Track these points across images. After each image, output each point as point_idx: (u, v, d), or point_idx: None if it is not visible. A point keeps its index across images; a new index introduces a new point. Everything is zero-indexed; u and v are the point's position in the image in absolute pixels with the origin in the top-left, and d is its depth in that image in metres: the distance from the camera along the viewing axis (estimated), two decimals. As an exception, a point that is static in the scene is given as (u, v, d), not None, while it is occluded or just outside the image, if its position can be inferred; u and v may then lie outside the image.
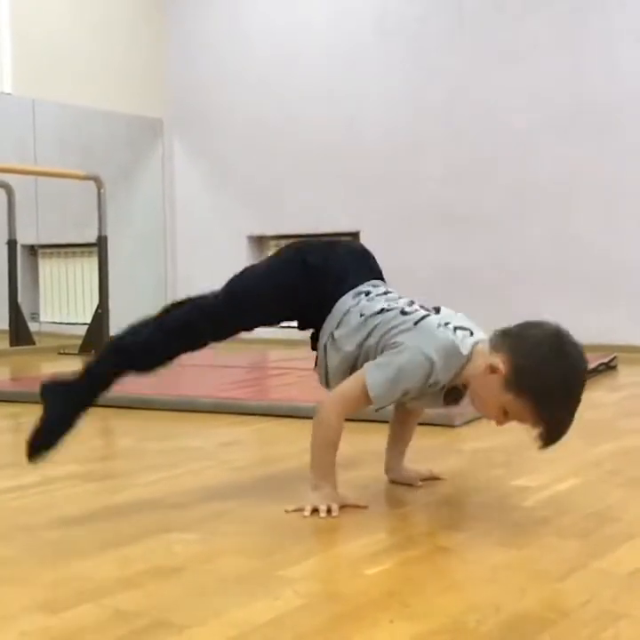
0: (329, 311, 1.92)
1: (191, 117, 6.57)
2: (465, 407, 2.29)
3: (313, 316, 1.96)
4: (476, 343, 1.81)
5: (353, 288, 1.93)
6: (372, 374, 1.79)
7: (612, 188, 5.13)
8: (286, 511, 1.81)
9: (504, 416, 1.77)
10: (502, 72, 5.42)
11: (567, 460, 2.35)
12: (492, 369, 1.74)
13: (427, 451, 2.39)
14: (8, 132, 6.12)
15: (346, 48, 5.92)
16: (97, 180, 5.54)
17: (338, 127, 5.94)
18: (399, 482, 2.06)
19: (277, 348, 5.53)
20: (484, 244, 5.47)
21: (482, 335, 1.85)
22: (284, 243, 6.22)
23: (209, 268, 6.58)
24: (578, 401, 1.74)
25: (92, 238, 5.61)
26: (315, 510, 1.79)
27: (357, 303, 1.90)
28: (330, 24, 5.98)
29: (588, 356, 4.51)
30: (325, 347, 1.93)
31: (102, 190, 5.53)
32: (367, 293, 1.92)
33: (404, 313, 1.85)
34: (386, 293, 1.94)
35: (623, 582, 1.43)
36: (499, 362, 1.73)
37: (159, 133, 6.67)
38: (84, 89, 6.13)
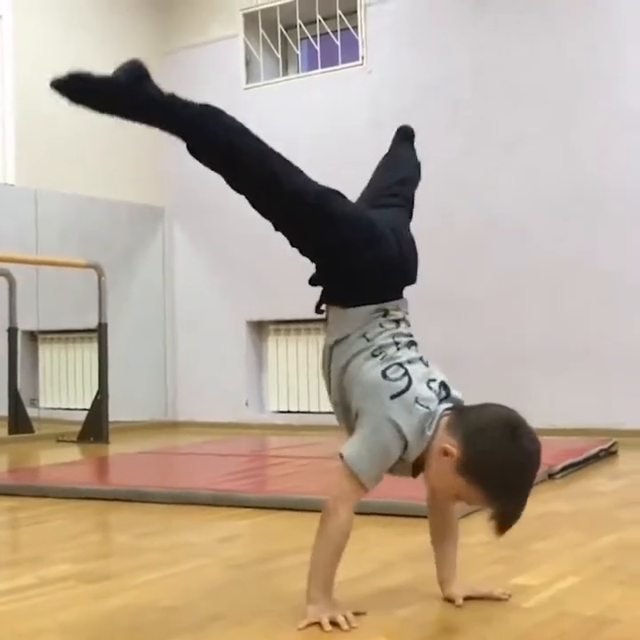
0: (348, 286, 1.89)
1: (191, 205, 6.67)
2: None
3: (339, 271, 1.90)
4: (445, 412, 1.78)
5: (390, 294, 1.90)
6: (356, 461, 1.75)
7: (606, 270, 5.18)
8: (299, 628, 1.72)
9: (457, 497, 1.77)
10: (493, 161, 5.52)
11: (567, 555, 2.33)
12: (445, 452, 1.72)
13: (428, 545, 2.37)
14: (11, 222, 6.20)
15: (340, 138, 6.05)
16: (97, 268, 5.61)
17: (335, 214, 6.02)
18: (445, 597, 1.93)
19: (276, 434, 5.52)
20: (479, 328, 5.50)
21: (452, 400, 1.82)
22: (283, 328, 6.31)
23: (209, 354, 6.64)
24: (529, 488, 1.75)
25: (92, 324, 5.65)
26: (317, 623, 1.71)
27: (372, 321, 1.85)
28: (325, 115, 6.12)
29: (588, 440, 4.52)
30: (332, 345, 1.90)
31: (103, 278, 5.59)
32: (385, 314, 1.87)
33: (385, 376, 1.78)
34: (398, 324, 1.88)
35: (625, 692, 1.41)
36: (451, 446, 1.72)
37: (160, 221, 6.76)
38: (86, 179, 6.24)
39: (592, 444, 4.16)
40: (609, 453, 4.18)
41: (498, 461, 1.70)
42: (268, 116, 6.36)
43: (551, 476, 3.55)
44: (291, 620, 1.77)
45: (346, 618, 1.72)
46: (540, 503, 3.11)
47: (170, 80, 6.65)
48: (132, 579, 2.18)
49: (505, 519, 1.74)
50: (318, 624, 1.72)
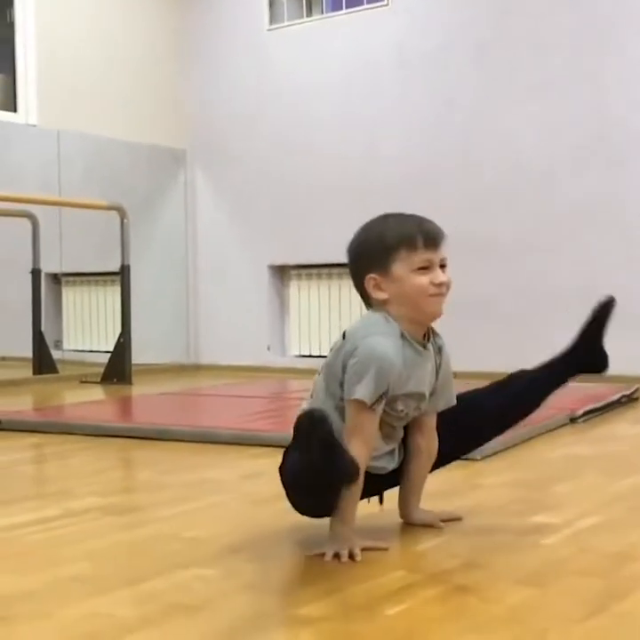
0: None
1: (213, 148, 6.63)
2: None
3: None
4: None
5: None
6: (353, 387, 1.78)
7: (631, 216, 5.12)
8: (306, 556, 1.78)
9: (426, 275, 1.82)
10: (519, 104, 5.44)
11: (588, 496, 2.34)
12: (374, 287, 1.84)
13: (445, 485, 2.38)
14: (33, 163, 6.20)
15: (364, 80, 5.97)
16: (120, 209, 5.60)
17: (357, 157, 5.97)
18: (417, 524, 2.00)
19: (297, 378, 5.54)
20: (501, 273, 5.47)
21: None
22: (305, 272, 6.30)
23: (230, 297, 6.65)
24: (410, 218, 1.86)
25: (115, 267, 5.66)
26: (336, 555, 1.75)
27: None
28: (350, 56, 6.04)
29: (610, 387, 4.51)
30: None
31: (125, 220, 5.59)
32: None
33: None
34: None
35: (644, 625, 1.42)
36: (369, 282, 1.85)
37: (182, 163, 6.73)
38: (109, 120, 6.21)
39: (614, 390, 4.15)
40: (631, 399, 4.18)
41: (369, 233, 1.86)
42: (291, 58, 6.29)
43: (573, 420, 3.55)
44: (319, 557, 1.78)
45: (351, 553, 1.74)
46: (562, 446, 3.12)
47: (193, 22, 6.61)
48: (156, 511, 2.22)
49: (426, 232, 1.83)
50: (336, 557, 1.75)
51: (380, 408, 1.80)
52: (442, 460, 2.05)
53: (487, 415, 2.10)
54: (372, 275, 1.84)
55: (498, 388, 2.14)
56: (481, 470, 2.64)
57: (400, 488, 2.02)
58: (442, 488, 2.31)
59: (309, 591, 1.59)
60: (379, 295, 1.84)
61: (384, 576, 1.66)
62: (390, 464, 1.95)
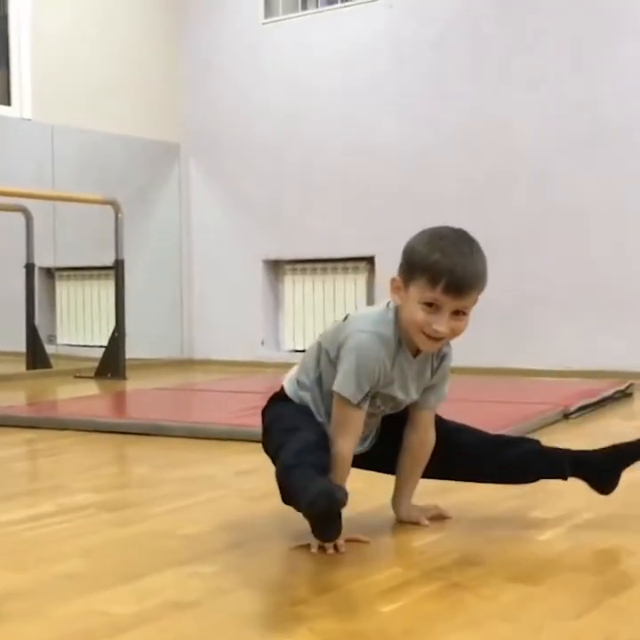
0: None
1: (208, 142, 6.62)
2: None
3: None
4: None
5: None
6: (339, 382, 1.83)
7: (627, 212, 5.13)
8: (290, 548, 1.79)
9: (428, 314, 1.77)
10: (517, 97, 5.44)
11: (583, 492, 2.33)
12: (394, 287, 1.83)
13: (440, 481, 2.38)
14: (27, 157, 6.18)
15: (361, 74, 5.96)
16: (114, 204, 5.59)
17: (353, 152, 5.97)
18: (405, 521, 2.01)
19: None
20: (498, 268, 5.41)
21: None
22: (299, 267, 6.30)
23: (225, 292, 6.64)
24: (454, 244, 1.79)
25: (109, 261, 5.65)
26: (321, 546, 1.77)
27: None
28: (345, 50, 6.02)
29: (603, 382, 4.50)
30: None
31: (119, 215, 5.58)
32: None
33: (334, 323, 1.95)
34: None
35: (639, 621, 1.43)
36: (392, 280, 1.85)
37: (176, 158, 6.72)
38: (103, 114, 6.19)
39: (608, 386, 4.16)
40: (624, 395, 4.19)
41: (417, 241, 1.81)
42: (287, 52, 6.27)
43: (567, 416, 3.56)
44: (305, 548, 1.79)
45: (335, 545, 1.76)
46: (556, 442, 3.09)
47: (187, 15, 6.59)
48: (151, 508, 2.21)
49: (450, 280, 1.75)
50: (322, 549, 1.77)
51: (366, 405, 1.85)
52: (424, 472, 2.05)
53: (480, 463, 2.07)
54: (398, 278, 1.84)
55: (505, 443, 2.10)
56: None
57: (395, 482, 2.04)
58: (437, 484, 2.31)
59: (306, 588, 1.59)
60: (394, 298, 1.86)
61: (380, 573, 1.66)
62: (358, 448, 1.96)
